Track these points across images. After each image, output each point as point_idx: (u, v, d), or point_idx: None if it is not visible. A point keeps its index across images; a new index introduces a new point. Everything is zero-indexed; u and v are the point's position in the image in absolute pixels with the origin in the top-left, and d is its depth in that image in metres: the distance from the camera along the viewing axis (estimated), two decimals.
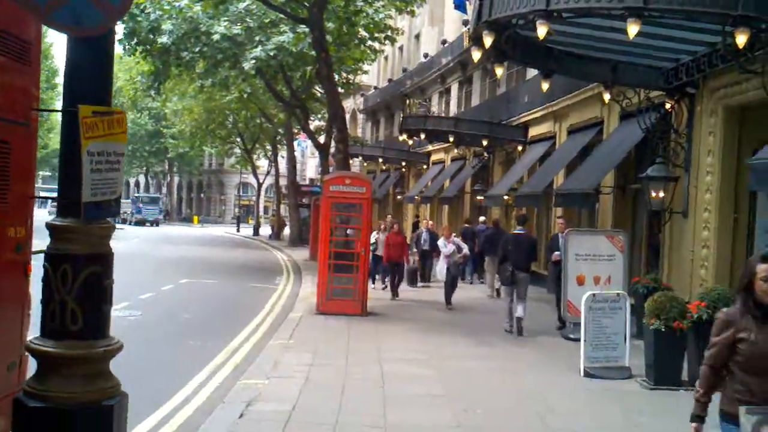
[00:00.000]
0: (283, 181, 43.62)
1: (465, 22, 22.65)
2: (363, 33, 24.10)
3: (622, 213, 15.08)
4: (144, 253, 26.63)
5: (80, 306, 3.31)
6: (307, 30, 20.48)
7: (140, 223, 55.96)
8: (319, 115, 34.55)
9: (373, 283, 16.92)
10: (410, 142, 27.71)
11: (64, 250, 3.34)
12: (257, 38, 21.73)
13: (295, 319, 12.75)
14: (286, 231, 41.46)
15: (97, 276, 3.37)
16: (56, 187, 3.53)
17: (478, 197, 22.66)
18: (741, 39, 8.47)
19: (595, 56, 12.09)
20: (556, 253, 12.68)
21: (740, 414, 3.61)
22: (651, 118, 12.39)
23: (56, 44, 54.63)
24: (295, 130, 37.51)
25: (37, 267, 3.89)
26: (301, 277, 20.55)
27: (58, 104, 3.97)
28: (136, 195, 65.83)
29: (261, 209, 58.37)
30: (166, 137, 56.27)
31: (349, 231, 14.67)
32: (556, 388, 8.52)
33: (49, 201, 40.60)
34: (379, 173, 38.31)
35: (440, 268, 15.34)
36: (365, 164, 39.40)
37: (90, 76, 3.42)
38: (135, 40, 21.93)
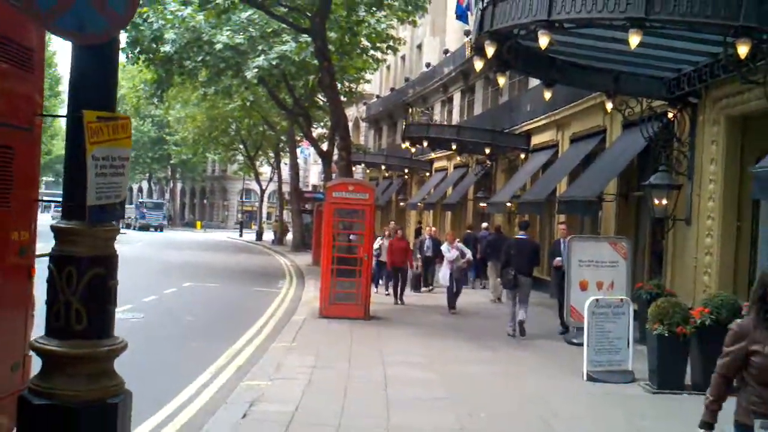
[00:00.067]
0: (285, 188, 43.70)
1: (467, 32, 22.72)
2: (365, 43, 24.19)
3: (625, 220, 15.09)
4: (147, 257, 26.66)
5: (85, 306, 3.33)
6: (309, 39, 20.55)
7: (144, 228, 56.06)
8: (322, 123, 34.62)
9: (377, 288, 16.94)
10: (413, 149, 27.78)
11: (68, 252, 3.36)
12: (260, 47, 21.81)
13: (298, 322, 12.76)
14: (289, 236, 41.49)
15: (102, 277, 3.39)
16: (59, 192, 3.54)
17: (481, 204, 22.69)
18: (743, 49, 8.50)
19: (597, 66, 12.12)
20: (558, 258, 12.74)
21: (755, 426, 3.62)
22: (654, 127, 12.41)
23: (60, 53, 54.85)
24: (298, 138, 37.58)
25: (40, 269, 3.92)
26: (303, 282, 20.56)
27: (62, 111, 4.00)
28: (140, 200, 65.89)
29: (264, 215, 58.43)
30: (169, 144, 56.41)
31: (351, 237, 14.72)
32: (559, 392, 8.52)
33: (53, 206, 40.71)
34: (381, 180, 38.35)
35: (443, 273, 15.35)
36: (368, 171, 39.45)
37: (94, 84, 3.46)
38: (138, 49, 21.98)
